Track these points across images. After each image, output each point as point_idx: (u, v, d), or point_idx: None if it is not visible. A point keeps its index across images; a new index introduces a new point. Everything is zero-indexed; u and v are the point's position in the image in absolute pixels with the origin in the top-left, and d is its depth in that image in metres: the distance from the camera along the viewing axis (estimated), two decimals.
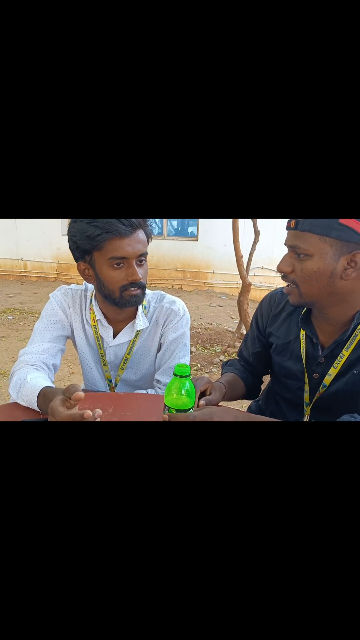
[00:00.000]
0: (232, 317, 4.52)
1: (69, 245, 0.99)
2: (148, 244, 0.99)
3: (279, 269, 0.81)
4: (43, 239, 6.01)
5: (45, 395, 0.86)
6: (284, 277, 0.82)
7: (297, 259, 0.78)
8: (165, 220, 6.03)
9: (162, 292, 1.14)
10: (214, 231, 5.67)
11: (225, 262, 5.64)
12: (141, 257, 0.96)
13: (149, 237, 0.99)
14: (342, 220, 0.71)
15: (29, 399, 0.90)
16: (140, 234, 0.95)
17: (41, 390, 0.88)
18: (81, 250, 0.96)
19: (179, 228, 6.30)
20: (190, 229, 6.21)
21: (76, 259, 1.00)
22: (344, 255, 0.73)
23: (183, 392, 0.78)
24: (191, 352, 3.17)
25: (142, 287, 0.99)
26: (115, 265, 0.94)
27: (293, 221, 0.76)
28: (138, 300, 0.99)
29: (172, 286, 5.95)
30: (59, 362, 1.09)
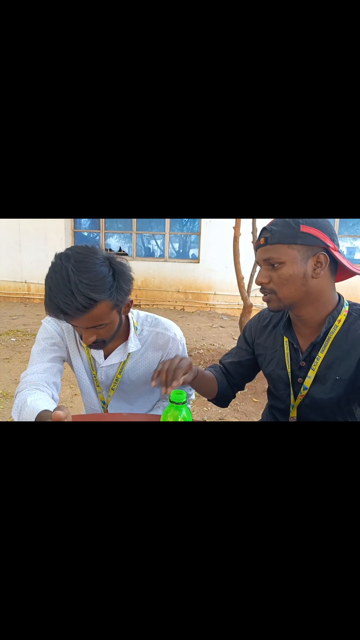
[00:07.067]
0: (233, 338, 4.52)
1: None
2: (124, 302, 0.96)
3: (257, 282, 0.91)
4: (47, 262, 6.02)
5: (40, 419, 0.86)
6: (262, 289, 0.93)
7: (272, 269, 0.89)
8: (167, 242, 6.11)
9: (156, 316, 1.16)
10: (215, 253, 5.74)
11: (226, 283, 5.68)
12: (96, 327, 0.93)
13: (118, 301, 0.93)
14: (303, 229, 0.84)
15: None
16: (92, 313, 0.89)
17: (38, 414, 0.88)
18: None
19: (181, 250, 6.38)
20: (191, 251, 6.28)
21: None
22: (310, 257, 0.86)
23: (179, 419, 0.77)
24: None
25: (101, 343, 0.99)
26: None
27: (262, 239, 0.88)
28: (98, 348, 1.02)
29: (174, 307, 5.98)
30: (59, 382, 1.10)
